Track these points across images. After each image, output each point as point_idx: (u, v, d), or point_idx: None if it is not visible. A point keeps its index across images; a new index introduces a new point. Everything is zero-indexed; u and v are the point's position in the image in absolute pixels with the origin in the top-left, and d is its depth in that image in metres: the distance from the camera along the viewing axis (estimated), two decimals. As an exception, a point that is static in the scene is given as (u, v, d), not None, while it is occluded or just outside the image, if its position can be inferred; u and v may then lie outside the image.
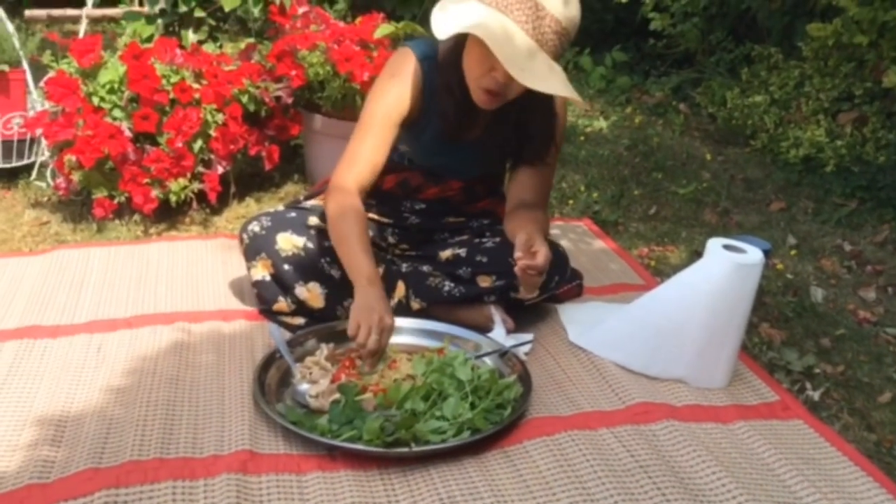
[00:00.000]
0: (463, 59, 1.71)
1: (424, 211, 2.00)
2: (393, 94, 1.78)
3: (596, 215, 2.79)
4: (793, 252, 2.54)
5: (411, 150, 1.93)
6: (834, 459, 1.51)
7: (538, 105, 1.79)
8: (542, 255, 1.63)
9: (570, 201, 2.92)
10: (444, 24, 1.64)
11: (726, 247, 1.67)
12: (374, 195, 1.97)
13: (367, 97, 1.84)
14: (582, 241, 2.52)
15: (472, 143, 1.88)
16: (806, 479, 1.43)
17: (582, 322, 1.92)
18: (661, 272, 2.35)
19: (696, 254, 2.45)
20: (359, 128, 1.81)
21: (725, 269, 1.62)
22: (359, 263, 1.67)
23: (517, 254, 1.62)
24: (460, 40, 1.70)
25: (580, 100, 1.67)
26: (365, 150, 1.79)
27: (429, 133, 1.86)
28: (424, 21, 2.10)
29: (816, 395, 1.77)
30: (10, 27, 2.78)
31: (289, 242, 1.83)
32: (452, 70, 1.74)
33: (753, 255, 1.65)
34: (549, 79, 1.61)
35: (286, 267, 1.82)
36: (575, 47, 5.04)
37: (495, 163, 2.00)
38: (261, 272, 1.83)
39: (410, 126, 1.85)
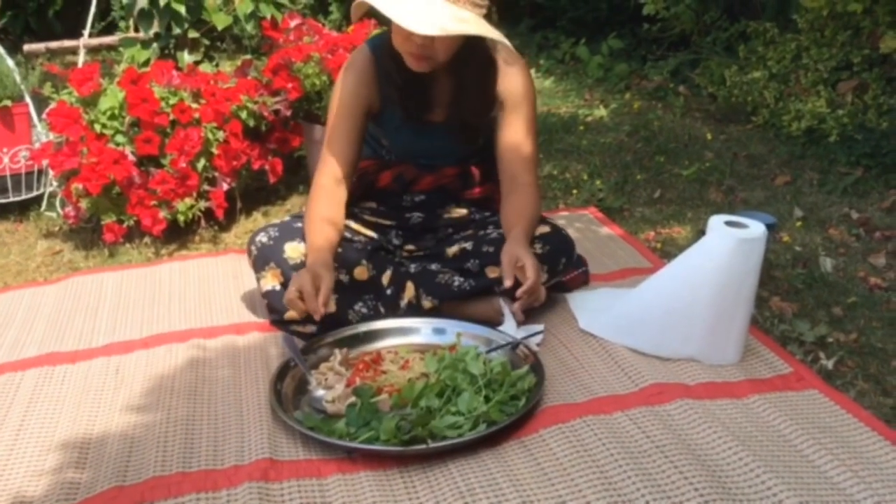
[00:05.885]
0: (393, 41, 1.79)
1: (425, 203, 2.03)
2: (347, 87, 1.90)
3: (601, 203, 2.80)
4: (799, 224, 2.54)
5: (390, 142, 1.99)
6: (850, 426, 1.51)
7: (471, 57, 1.83)
8: (529, 267, 1.70)
9: (575, 190, 2.92)
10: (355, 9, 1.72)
11: (728, 223, 1.67)
12: (373, 195, 2.00)
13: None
14: (588, 229, 2.53)
15: (441, 125, 1.93)
16: (823, 448, 1.43)
17: (592, 309, 1.93)
18: (668, 254, 2.35)
19: (702, 233, 2.42)
20: (326, 129, 1.93)
21: (728, 246, 1.63)
22: (310, 238, 1.82)
23: (509, 283, 1.71)
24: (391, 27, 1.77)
25: (495, 34, 1.69)
26: (333, 148, 1.90)
27: (396, 121, 1.93)
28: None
29: (830, 364, 1.77)
30: (11, 63, 2.82)
31: (296, 251, 1.85)
32: (388, 55, 1.84)
33: (755, 229, 1.66)
34: (445, 22, 1.64)
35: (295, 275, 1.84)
36: (571, 38, 5.05)
37: (472, 139, 2.00)
38: (270, 282, 1.85)
39: (378, 117, 1.94)
